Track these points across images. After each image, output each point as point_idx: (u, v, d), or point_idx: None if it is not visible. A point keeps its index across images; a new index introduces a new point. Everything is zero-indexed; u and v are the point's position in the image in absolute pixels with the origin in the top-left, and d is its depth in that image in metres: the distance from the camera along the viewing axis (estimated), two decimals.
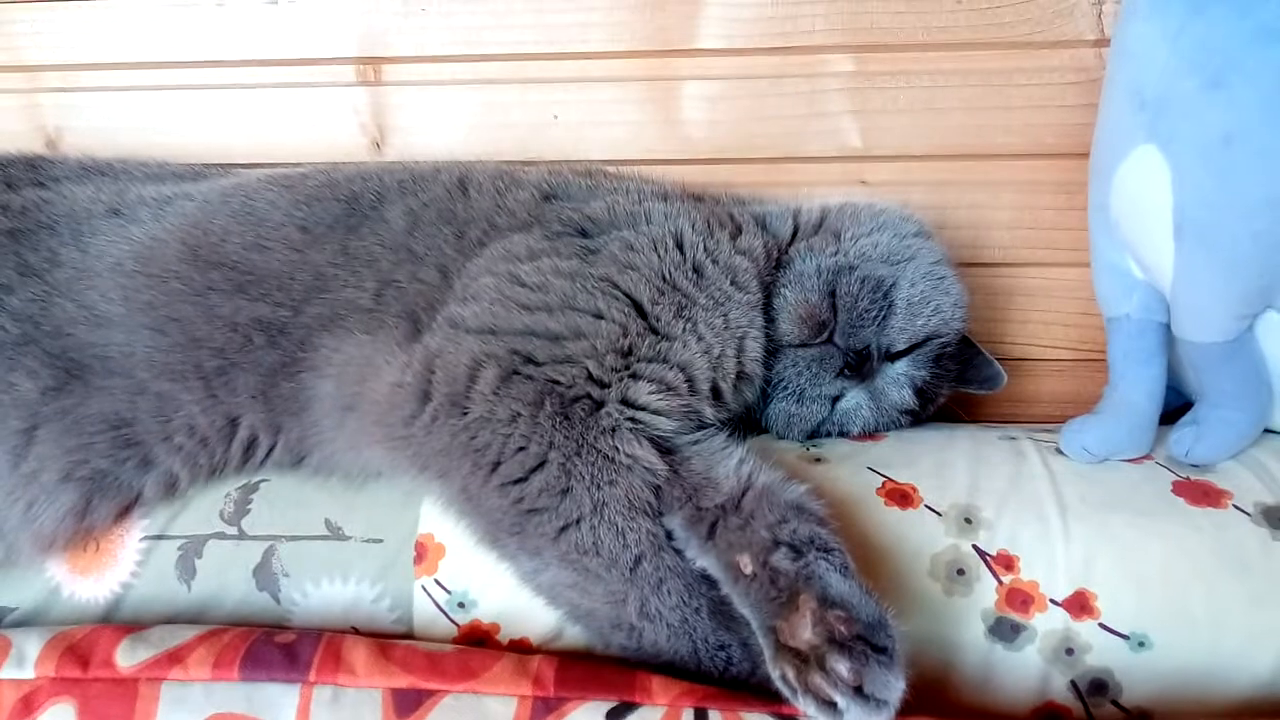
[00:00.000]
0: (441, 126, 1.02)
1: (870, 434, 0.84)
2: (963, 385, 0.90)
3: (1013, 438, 0.83)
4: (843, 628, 0.57)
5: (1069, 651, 0.69)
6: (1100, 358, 0.85)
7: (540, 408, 0.67)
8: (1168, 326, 0.77)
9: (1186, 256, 0.70)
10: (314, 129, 1.02)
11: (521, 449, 0.66)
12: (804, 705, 0.58)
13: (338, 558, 0.75)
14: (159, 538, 0.77)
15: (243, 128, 1.01)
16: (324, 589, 0.75)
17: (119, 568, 0.77)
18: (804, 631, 0.58)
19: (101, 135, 1.01)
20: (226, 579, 0.76)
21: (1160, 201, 0.71)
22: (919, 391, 0.83)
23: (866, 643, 0.57)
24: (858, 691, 0.56)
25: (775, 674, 0.60)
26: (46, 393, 0.75)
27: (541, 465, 0.66)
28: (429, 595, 0.74)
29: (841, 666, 0.56)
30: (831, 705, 0.56)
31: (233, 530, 0.77)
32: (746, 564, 0.64)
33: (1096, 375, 0.89)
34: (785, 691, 0.59)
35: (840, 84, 0.98)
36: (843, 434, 0.83)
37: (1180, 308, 0.73)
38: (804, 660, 0.58)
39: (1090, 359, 0.99)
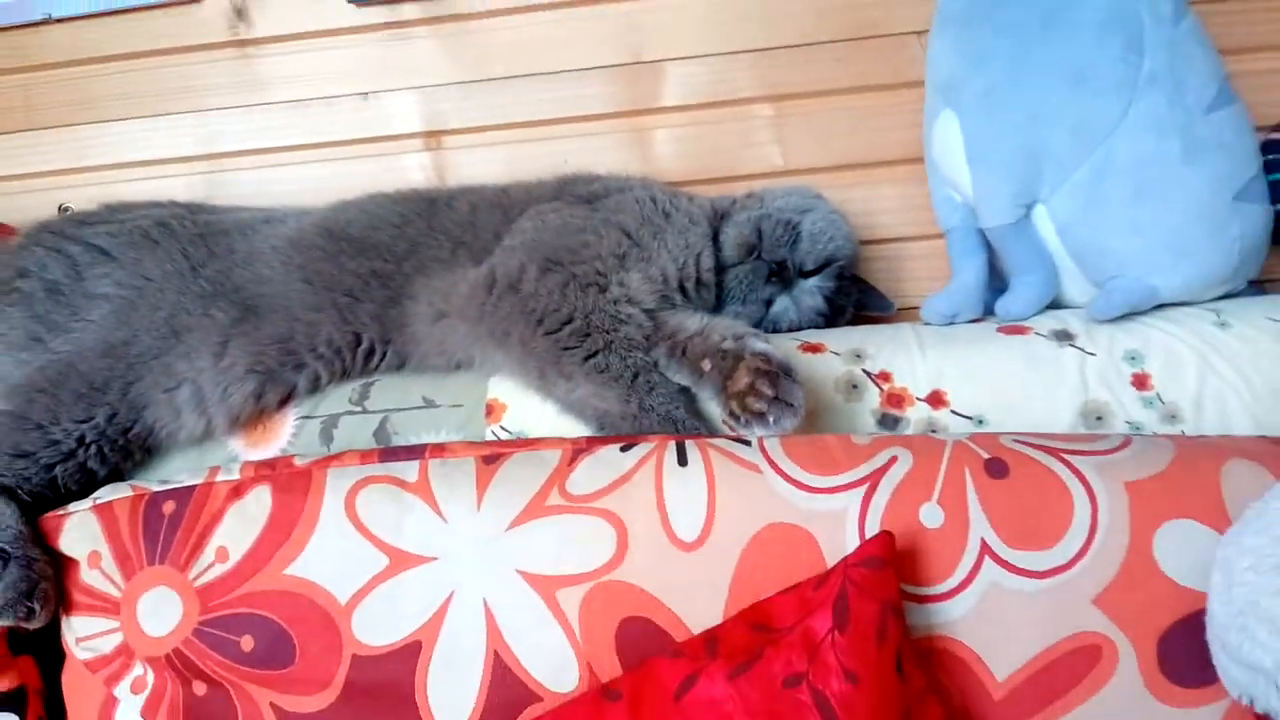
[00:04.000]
0: (485, 176, 1.44)
1: (795, 331, 1.19)
2: (863, 310, 1.26)
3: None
4: (762, 363, 0.92)
5: (934, 431, 1.03)
6: None
7: (567, 286, 1.04)
8: (980, 231, 1.15)
9: (976, 171, 1.10)
10: (397, 185, 1.43)
11: (556, 310, 1.03)
12: (743, 425, 0.92)
13: (432, 419, 1.09)
14: (308, 417, 1.11)
15: (352, 188, 1.39)
16: (424, 438, 1.08)
17: (279, 440, 1.11)
18: (742, 377, 0.93)
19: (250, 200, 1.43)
20: (354, 440, 1.09)
21: (957, 142, 1.12)
22: (828, 300, 1.19)
23: (781, 373, 0.91)
24: (776, 401, 0.90)
25: (725, 413, 0.94)
26: (233, 321, 1.11)
27: (570, 319, 1.02)
28: (496, 437, 1.08)
29: (764, 386, 0.91)
30: (761, 415, 0.91)
31: (358, 409, 1.11)
32: (706, 364, 0.99)
33: None
34: (731, 421, 0.94)
35: (764, 123, 1.41)
36: (776, 331, 1.19)
37: (980, 205, 1.12)
38: (743, 397, 0.92)
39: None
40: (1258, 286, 1.18)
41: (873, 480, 0.87)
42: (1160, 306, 1.07)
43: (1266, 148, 1.23)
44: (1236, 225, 1.06)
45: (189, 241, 1.17)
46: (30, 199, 1.46)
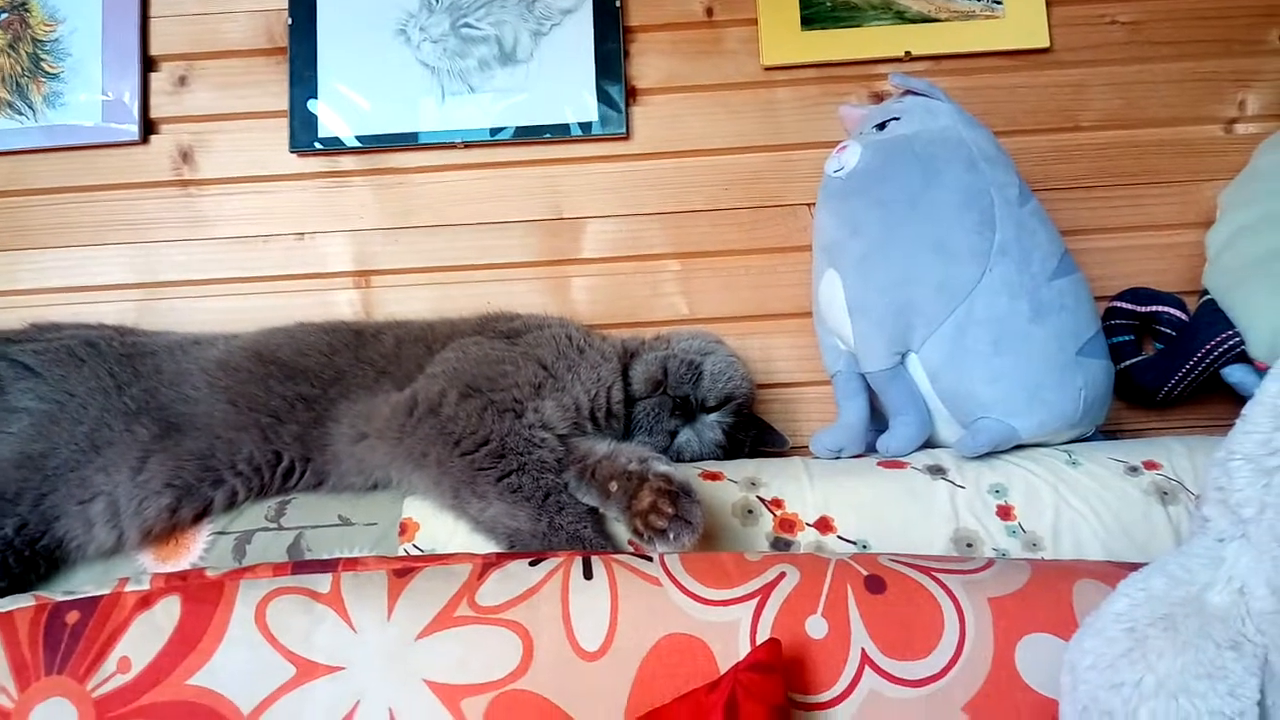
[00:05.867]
0: (411, 315, 1.52)
1: (697, 461, 1.28)
2: (761, 445, 1.36)
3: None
4: (664, 484, 1.00)
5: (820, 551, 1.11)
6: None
7: (485, 411, 1.11)
8: (861, 375, 1.28)
9: (856, 323, 1.24)
10: (327, 318, 1.50)
11: (474, 433, 1.10)
12: (646, 541, 0.99)
13: (346, 537, 1.13)
14: (222, 533, 1.13)
15: (283, 320, 1.45)
16: (338, 555, 1.11)
17: (191, 555, 1.12)
18: (645, 496, 1.01)
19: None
20: (267, 556, 1.11)
21: (839, 298, 1.26)
22: (727, 435, 1.29)
23: (681, 493, 0.99)
24: (676, 519, 0.98)
25: (630, 530, 1.01)
26: (154, 438, 1.15)
27: (487, 441, 1.09)
28: (409, 554, 1.11)
29: (665, 505, 0.98)
30: (663, 531, 0.98)
31: (273, 525, 1.14)
32: (614, 485, 1.06)
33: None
34: (636, 539, 1.00)
35: (672, 276, 1.54)
36: (679, 460, 1.27)
37: (860, 353, 1.25)
38: (646, 515, 0.99)
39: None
40: (1106, 434, 1.33)
41: (764, 594, 0.94)
42: (1020, 447, 1.20)
43: (1109, 313, 1.42)
44: (1080, 377, 1.20)
45: (115, 361, 1.21)
46: None
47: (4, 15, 1.56)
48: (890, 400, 1.24)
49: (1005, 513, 1.12)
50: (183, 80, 1.57)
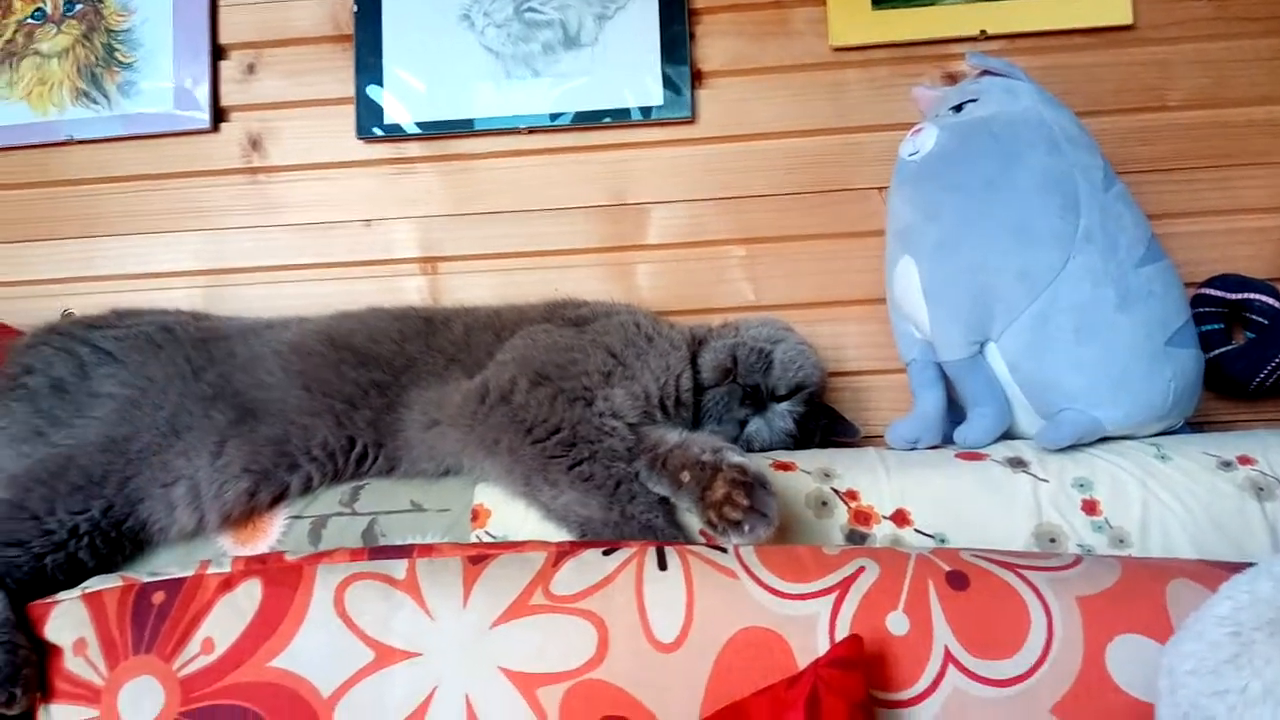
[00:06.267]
0: (475, 301, 1.52)
1: (767, 451, 1.26)
2: (832, 435, 1.34)
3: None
4: (739, 475, 0.98)
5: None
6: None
7: (556, 399, 1.11)
8: (938, 364, 1.24)
9: (933, 311, 1.21)
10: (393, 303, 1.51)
11: (545, 421, 1.09)
12: (720, 533, 0.97)
13: (419, 523, 1.13)
14: (298, 517, 1.15)
15: (350, 306, 1.46)
16: (410, 541, 1.11)
17: (268, 538, 1.14)
18: (720, 488, 0.99)
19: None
20: (342, 541, 1.12)
21: (916, 285, 1.23)
22: (798, 424, 1.27)
23: (756, 484, 0.98)
24: (751, 511, 0.96)
25: (703, 522, 1.00)
26: (230, 423, 1.16)
27: (558, 429, 1.09)
28: (480, 540, 1.11)
29: (740, 496, 0.97)
30: (738, 523, 0.96)
31: (348, 510, 1.15)
32: (685, 475, 1.05)
33: None
34: (709, 530, 0.99)
35: (737, 262, 1.52)
36: (749, 450, 1.25)
37: (937, 341, 1.22)
38: (720, 506, 0.98)
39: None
40: (1193, 426, 1.28)
41: (842, 588, 0.92)
42: (1104, 440, 1.16)
43: (1197, 301, 1.37)
44: (1169, 368, 1.16)
45: (192, 346, 1.23)
46: (37, 303, 1.53)
47: (78, 6, 1.59)
48: (968, 390, 1.21)
49: (1091, 507, 1.09)
50: (251, 68, 1.58)
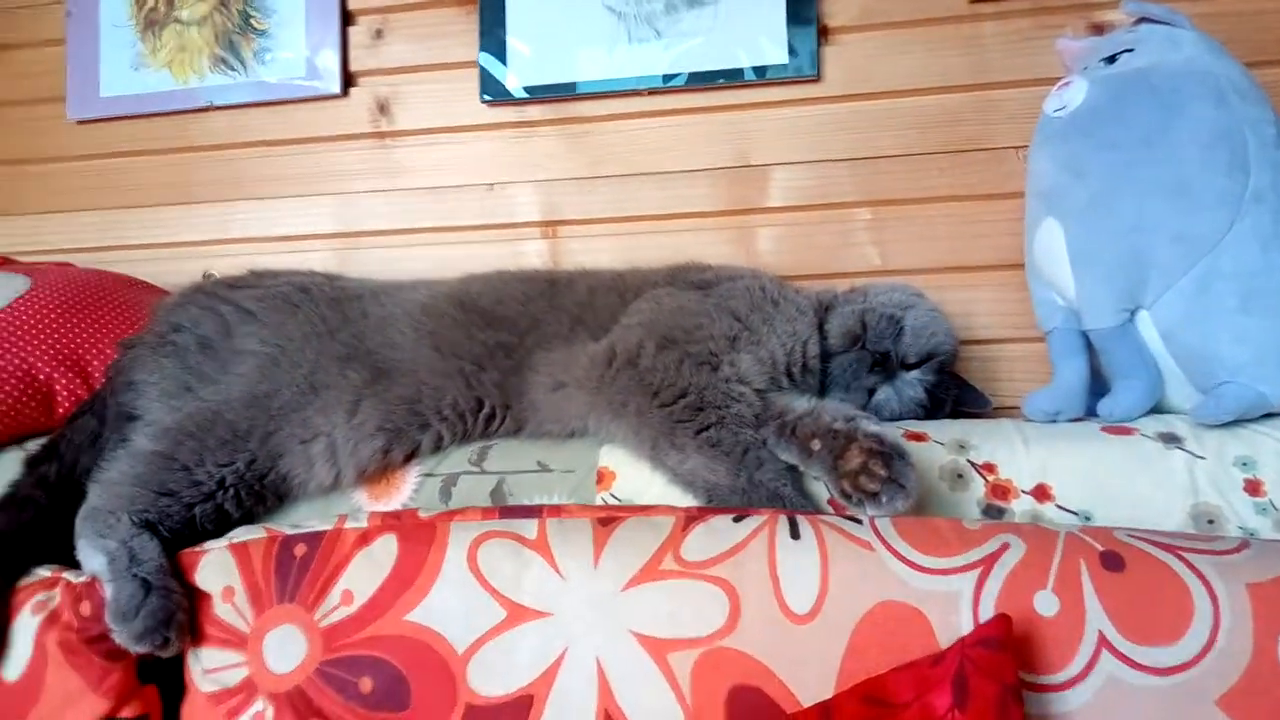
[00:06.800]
0: (596, 264, 1.52)
1: (896, 421, 1.22)
2: (961, 406, 1.29)
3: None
4: (875, 444, 0.95)
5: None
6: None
7: (683, 363, 1.10)
8: (1082, 333, 1.18)
9: (1079, 276, 1.14)
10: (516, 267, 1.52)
11: (672, 384, 1.08)
12: (855, 504, 0.95)
13: (545, 483, 1.14)
14: (429, 475, 1.17)
15: (474, 269, 1.45)
16: (537, 500, 1.13)
17: (401, 495, 1.17)
18: (854, 457, 0.96)
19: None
20: (471, 498, 1.14)
21: (1060, 248, 1.16)
22: (929, 393, 1.23)
23: (894, 454, 0.95)
24: (890, 482, 0.93)
25: (836, 492, 0.97)
26: (365, 382, 1.19)
27: (685, 393, 1.07)
28: (605, 503, 1.11)
29: (877, 466, 0.94)
30: (874, 494, 0.94)
31: (476, 469, 1.16)
32: (816, 444, 1.02)
33: None
34: (843, 500, 0.97)
35: (863, 226, 1.47)
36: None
37: (1083, 308, 1.15)
38: (855, 476, 0.96)
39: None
40: None
41: (986, 564, 0.88)
42: (1269, 415, 1.08)
43: None
44: None
45: (327, 305, 1.26)
46: (178, 265, 1.60)
47: None
48: (1115, 360, 1.15)
49: (1254, 488, 1.02)
50: (379, 33, 1.60)
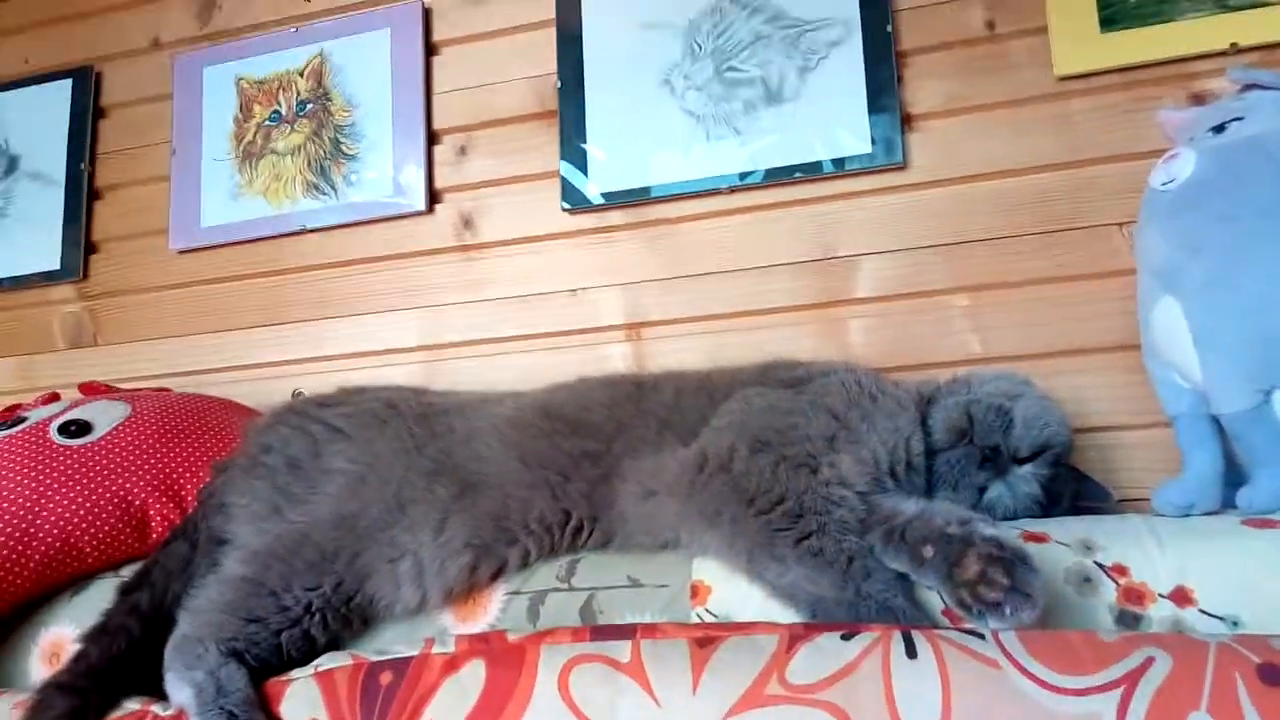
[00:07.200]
0: (681, 365, 1.49)
1: (1011, 520, 1.13)
2: (1081, 501, 1.19)
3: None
4: (994, 550, 0.87)
5: (1180, 631, 0.93)
6: None
7: (778, 467, 1.04)
8: (1213, 418, 1.08)
9: (1205, 357, 1.05)
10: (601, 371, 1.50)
11: (769, 490, 1.02)
12: (975, 615, 0.87)
13: (637, 599, 1.08)
14: (516, 593, 1.13)
15: (559, 375, 1.46)
16: (628, 618, 1.07)
17: (488, 615, 1.13)
18: (972, 564, 0.89)
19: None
20: (561, 617, 1.09)
21: (1181, 328, 1.08)
22: (1045, 489, 1.14)
23: (1016, 560, 0.87)
24: (1012, 591, 0.85)
25: (954, 602, 0.89)
26: (453, 497, 1.17)
27: (783, 499, 1.02)
28: (701, 619, 1.05)
29: (998, 574, 0.86)
30: (996, 605, 0.85)
31: (565, 586, 1.12)
32: (929, 550, 0.95)
33: None
34: (961, 611, 0.88)
35: (960, 313, 1.41)
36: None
37: (1212, 391, 1.06)
38: (974, 585, 0.88)
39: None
40: None
41: (1128, 682, 0.79)
42: None
43: None
44: None
45: (414, 421, 1.26)
46: (270, 385, 1.63)
47: (309, 106, 1.72)
48: (1252, 446, 1.05)
49: None
50: (463, 150, 1.65)
